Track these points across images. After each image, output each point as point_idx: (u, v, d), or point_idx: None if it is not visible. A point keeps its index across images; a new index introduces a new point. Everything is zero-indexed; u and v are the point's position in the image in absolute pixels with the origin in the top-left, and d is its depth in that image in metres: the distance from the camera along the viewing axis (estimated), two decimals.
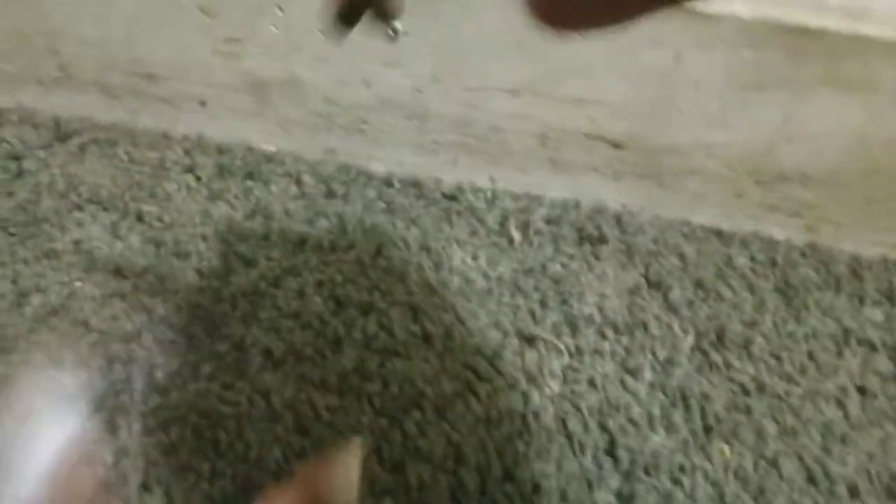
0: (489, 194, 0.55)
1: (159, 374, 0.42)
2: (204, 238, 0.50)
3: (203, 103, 0.59)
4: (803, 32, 0.53)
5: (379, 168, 0.59)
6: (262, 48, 0.56)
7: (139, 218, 0.51)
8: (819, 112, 0.55)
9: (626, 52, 0.53)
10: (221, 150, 0.57)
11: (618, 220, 0.54)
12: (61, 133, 0.57)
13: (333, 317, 0.45)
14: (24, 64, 0.60)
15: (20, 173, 0.54)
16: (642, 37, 0.52)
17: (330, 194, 0.54)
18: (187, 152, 0.56)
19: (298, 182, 0.55)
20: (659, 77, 0.53)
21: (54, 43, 0.59)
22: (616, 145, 0.55)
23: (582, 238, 0.51)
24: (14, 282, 0.46)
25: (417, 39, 0.55)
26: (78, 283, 0.46)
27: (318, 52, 0.56)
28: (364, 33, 0.56)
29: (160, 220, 0.50)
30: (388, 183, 0.55)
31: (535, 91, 0.54)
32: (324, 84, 0.57)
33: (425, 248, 0.51)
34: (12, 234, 0.49)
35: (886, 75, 0.53)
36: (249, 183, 0.54)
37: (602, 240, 0.52)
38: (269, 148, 0.60)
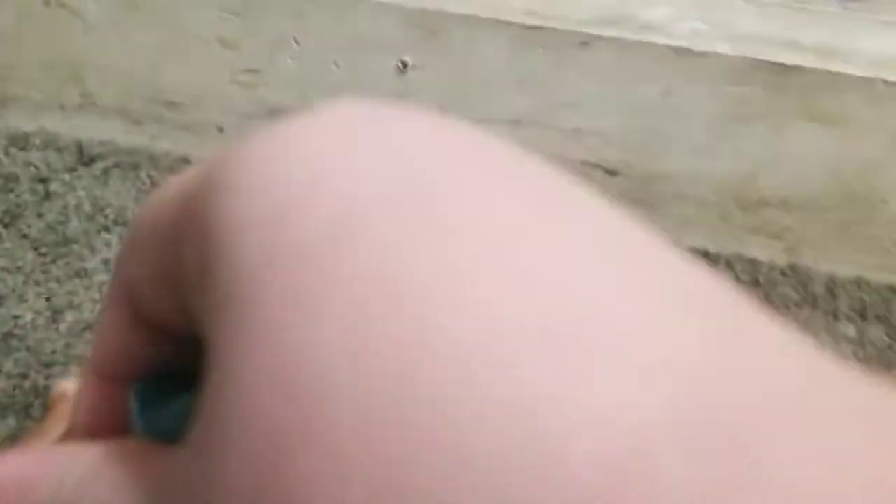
0: None
1: None
2: None
3: (221, 129, 0.63)
4: (782, 70, 0.57)
5: None
6: (279, 79, 0.59)
7: None
8: (797, 143, 0.60)
9: (620, 87, 0.57)
10: None
11: None
12: (85, 157, 0.60)
13: None
14: (47, 91, 0.63)
15: (48, 195, 0.56)
16: (635, 73, 0.56)
17: None
18: None
19: None
20: (650, 110, 0.58)
21: (78, 71, 0.62)
22: (611, 172, 0.59)
23: None
24: (48, 299, 0.48)
25: (426, 73, 0.59)
26: None
27: (332, 83, 0.59)
28: (375, 65, 0.60)
29: None
30: None
31: (536, 122, 0.58)
32: None
33: None
34: (44, 254, 0.52)
35: (858, 109, 0.58)
36: None
37: None
38: None
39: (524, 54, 0.55)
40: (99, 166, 0.59)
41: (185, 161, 0.62)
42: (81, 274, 0.50)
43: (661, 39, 0.55)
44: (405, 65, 0.58)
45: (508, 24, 0.54)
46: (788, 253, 0.61)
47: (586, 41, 0.54)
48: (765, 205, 0.60)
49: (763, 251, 0.61)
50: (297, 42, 0.57)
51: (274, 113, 0.61)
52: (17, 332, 0.46)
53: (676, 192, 0.59)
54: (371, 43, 0.56)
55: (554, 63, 0.55)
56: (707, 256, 0.59)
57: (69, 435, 0.13)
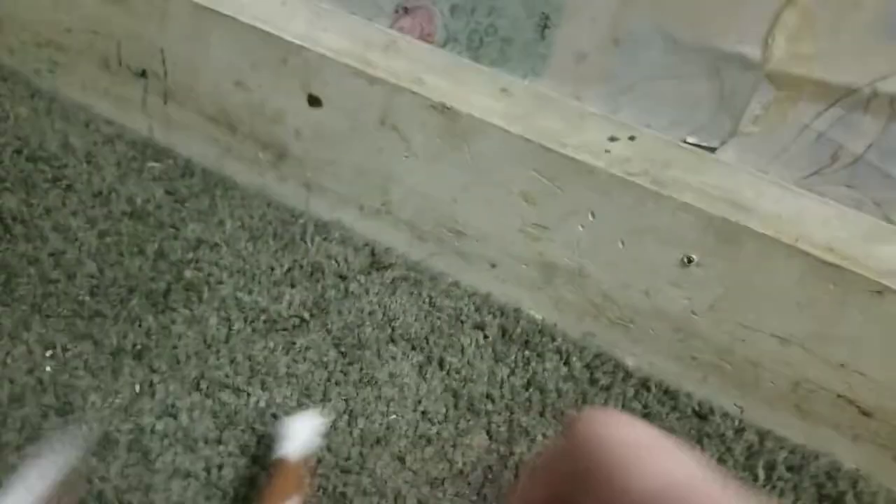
0: (737, 423, 0.60)
1: None
2: (491, 399, 0.58)
3: (494, 266, 0.69)
4: None
5: (631, 362, 0.66)
6: (564, 239, 0.64)
7: (441, 365, 0.59)
8: None
9: None
10: (504, 313, 0.66)
11: (853, 483, 0.57)
12: (376, 262, 0.68)
13: None
14: (353, 191, 0.72)
15: (347, 294, 0.64)
16: None
17: (593, 382, 0.61)
18: (477, 309, 0.65)
19: (567, 363, 0.62)
20: None
21: (386, 183, 0.70)
22: (865, 413, 0.59)
23: (822, 497, 0.56)
24: (346, 401, 0.55)
25: (708, 272, 0.62)
26: (393, 417, 0.55)
27: (612, 258, 0.64)
28: (660, 254, 0.63)
29: (458, 371, 0.59)
30: (645, 385, 0.62)
31: (804, 346, 0.59)
32: (607, 282, 0.65)
33: None
34: (343, 354, 0.59)
35: None
36: (527, 353, 0.62)
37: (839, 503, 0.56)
38: (537, 316, 0.68)
39: (812, 284, 0.57)
40: (389, 275, 0.67)
41: (456, 286, 0.68)
42: (371, 382, 0.57)
43: None
44: (690, 260, 0.61)
45: (805, 253, 0.56)
46: None
47: (881, 291, 0.55)
48: None
49: None
50: (592, 215, 0.62)
51: (546, 267, 0.66)
52: (321, 429, 0.53)
53: None
54: (663, 233, 0.60)
55: (840, 300, 0.57)
56: None
57: None
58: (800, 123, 0.57)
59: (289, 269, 0.66)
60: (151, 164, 0.76)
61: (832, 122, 0.56)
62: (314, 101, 0.70)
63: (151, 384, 0.55)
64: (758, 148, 0.60)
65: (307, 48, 0.68)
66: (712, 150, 0.62)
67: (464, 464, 0.52)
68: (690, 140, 0.62)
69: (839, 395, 0.60)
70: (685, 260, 0.64)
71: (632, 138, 0.62)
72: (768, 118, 0.59)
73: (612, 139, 0.62)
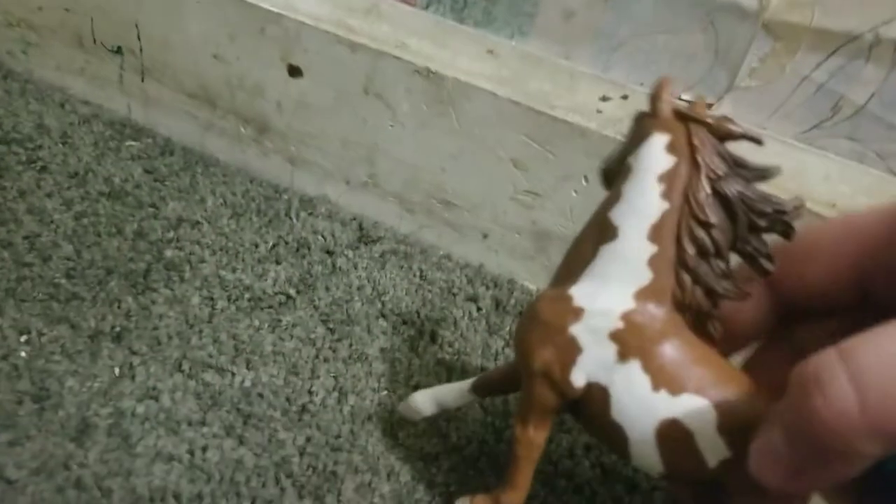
0: None
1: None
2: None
3: (486, 236, 0.67)
4: None
5: None
6: (557, 206, 0.62)
7: (433, 338, 0.57)
8: None
9: None
10: (497, 284, 0.64)
11: None
12: (364, 236, 0.66)
13: (600, 485, 0.50)
14: (338, 164, 0.70)
15: (334, 270, 0.62)
16: None
17: None
18: (469, 281, 0.63)
19: None
20: None
21: (372, 155, 0.68)
22: None
23: None
24: (336, 378, 0.53)
25: None
26: (384, 393, 0.53)
27: None
28: None
29: (451, 345, 0.57)
30: None
31: None
32: None
33: None
34: (332, 330, 0.57)
35: None
36: None
37: None
38: (531, 286, 0.66)
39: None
40: (378, 249, 0.65)
41: (448, 258, 0.66)
42: (362, 358, 0.55)
43: None
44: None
45: (808, 211, 0.54)
46: None
47: None
48: None
49: None
50: (586, 179, 0.60)
51: (540, 235, 0.64)
52: (310, 407, 0.51)
53: None
54: None
55: None
56: None
57: None
58: (799, 75, 0.55)
59: (273, 246, 0.64)
60: (130, 143, 0.73)
61: (832, 73, 0.54)
62: (294, 71, 0.68)
63: (131, 367, 0.53)
64: (755, 102, 0.57)
65: (285, 16, 0.65)
66: (709, 106, 0.60)
67: (458, 438, 0.50)
68: (685, 97, 0.59)
69: None
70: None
71: (624, 97, 0.60)
72: (766, 71, 0.56)
73: (604, 99, 0.60)
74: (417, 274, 0.63)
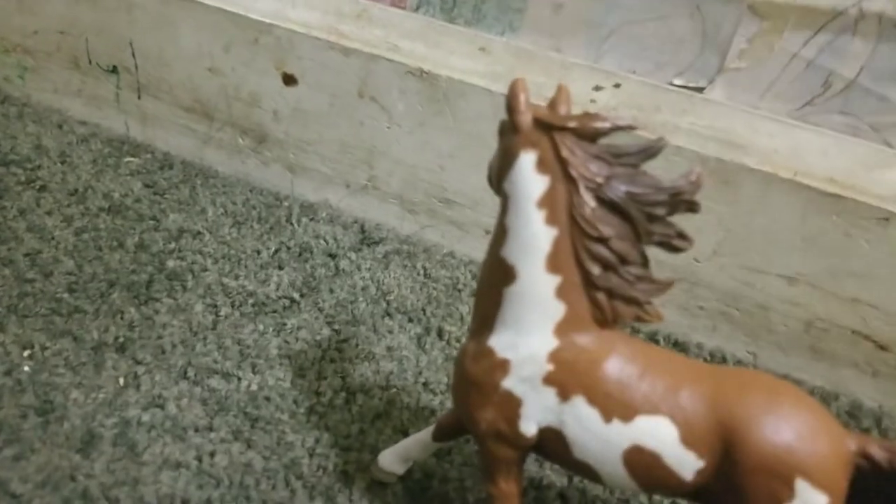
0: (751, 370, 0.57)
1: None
2: None
3: (488, 232, 0.66)
4: None
5: None
6: None
7: (440, 335, 0.57)
8: None
9: None
10: None
11: (877, 421, 0.55)
12: (367, 238, 0.66)
13: None
14: (338, 168, 0.70)
15: (337, 272, 0.62)
16: None
17: None
18: (474, 277, 0.63)
19: None
20: None
21: (370, 157, 0.68)
22: (882, 347, 0.57)
23: None
24: (343, 378, 0.53)
25: (708, 216, 0.60)
26: (393, 391, 0.52)
27: None
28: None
29: (458, 340, 0.57)
30: (653, 339, 0.60)
31: (813, 284, 0.57)
32: None
33: None
34: (337, 331, 0.56)
35: None
36: None
37: None
38: None
39: (816, 219, 0.55)
40: (381, 250, 0.65)
41: (452, 256, 0.66)
42: (369, 357, 0.55)
43: None
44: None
45: (805, 187, 0.54)
46: None
47: (887, 217, 0.53)
48: None
49: None
50: None
51: None
52: (318, 408, 0.51)
53: None
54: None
55: (846, 232, 0.54)
56: None
57: None
58: (787, 53, 0.56)
59: (276, 252, 0.64)
60: (128, 159, 0.74)
61: (821, 49, 0.55)
62: (289, 79, 0.68)
63: (136, 376, 0.52)
64: (747, 83, 0.58)
65: (277, 25, 0.66)
66: (700, 90, 0.60)
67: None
68: (677, 82, 0.60)
69: (854, 331, 0.57)
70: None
71: (617, 86, 0.60)
72: (755, 51, 0.57)
73: (597, 88, 0.60)
74: (421, 272, 0.63)
